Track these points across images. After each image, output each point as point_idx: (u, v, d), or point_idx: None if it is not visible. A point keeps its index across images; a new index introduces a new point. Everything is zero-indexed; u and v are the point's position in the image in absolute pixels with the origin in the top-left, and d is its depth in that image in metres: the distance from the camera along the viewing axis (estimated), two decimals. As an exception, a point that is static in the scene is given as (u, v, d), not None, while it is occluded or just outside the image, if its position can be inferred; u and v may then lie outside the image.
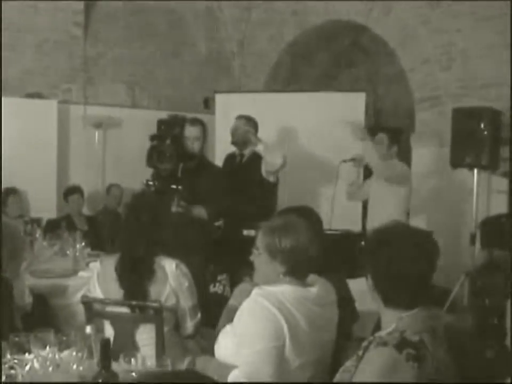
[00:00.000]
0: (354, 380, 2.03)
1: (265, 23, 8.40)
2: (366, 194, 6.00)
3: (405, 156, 7.71)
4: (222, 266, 5.56)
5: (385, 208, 5.58)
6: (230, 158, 5.94)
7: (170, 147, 5.03)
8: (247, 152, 5.75)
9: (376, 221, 5.65)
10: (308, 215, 3.30)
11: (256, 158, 5.65)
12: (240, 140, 5.70)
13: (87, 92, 7.76)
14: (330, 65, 9.01)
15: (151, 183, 4.93)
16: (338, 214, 6.24)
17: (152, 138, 5.20)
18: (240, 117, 5.80)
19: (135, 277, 3.25)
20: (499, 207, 6.12)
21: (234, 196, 5.40)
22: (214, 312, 3.52)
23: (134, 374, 2.27)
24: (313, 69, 8.85)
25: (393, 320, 2.11)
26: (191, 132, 5.16)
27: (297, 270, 2.60)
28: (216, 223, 5.67)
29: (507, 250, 4.60)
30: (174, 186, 4.88)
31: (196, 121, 5.26)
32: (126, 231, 3.46)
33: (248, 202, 5.46)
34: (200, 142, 5.18)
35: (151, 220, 3.38)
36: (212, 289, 5.30)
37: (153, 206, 3.61)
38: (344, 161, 6.01)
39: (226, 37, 8.78)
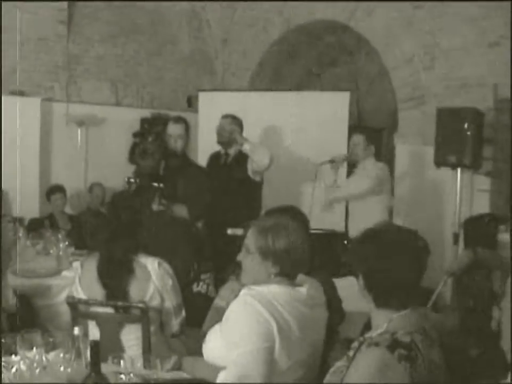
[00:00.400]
0: (345, 381, 2.02)
1: (249, 22, 8.39)
2: (346, 196, 5.99)
3: (388, 155, 7.76)
4: (205, 265, 5.54)
5: (367, 206, 5.60)
6: (214, 157, 5.94)
7: (153, 144, 5.03)
8: (232, 151, 5.77)
9: (358, 220, 5.67)
10: (296, 215, 3.30)
11: (242, 157, 5.67)
12: (226, 139, 5.72)
13: (70, 89, 7.70)
14: (313, 64, 9.03)
15: (132, 180, 4.86)
16: (321, 213, 6.23)
17: (135, 135, 5.19)
18: (225, 116, 5.81)
19: (115, 277, 3.24)
20: (481, 206, 6.16)
21: (219, 195, 5.39)
22: (198, 312, 3.52)
23: (122, 376, 2.25)
24: (297, 68, 8.86)
25: (384, 321, 2.10)
26: (174, 129, 5.15)
27: (289, 271, 2.59)
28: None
29: (490, 249, 4.63)
30: (155, 184, 4.84)
31: (179, 120, 5.25)
32: (105, 230, 3.45)
33: (233, 201, 5.47)
34: (183, 140, 5.16)
35: (130, 219, 3.37)
36: (195, 288, 5.27)
37: (132, 204, 3.60)
38: (322, 163, 6.02)
39: (210, 36, 8.76)
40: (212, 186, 5.46)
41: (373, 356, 1.98)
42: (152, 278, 3.23)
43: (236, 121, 5.75)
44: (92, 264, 3.30)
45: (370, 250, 2.15)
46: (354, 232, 5.67)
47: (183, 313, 3.39)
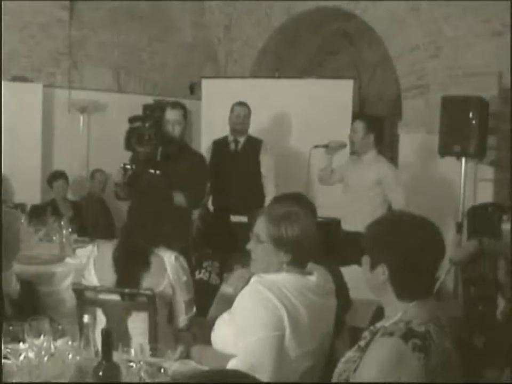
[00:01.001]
0: (359, 371, 2.00)
1: (252, 9, 8.34)
2: (339, 180, 5.88)
3: (391, 144, 7.75)
4: (207, 253, 5.53)
5: (363, 192, 5.51)
6: (221, 144, 5.92)
7: (150, 130, 4.87)
8: (242, 139, 5.82)
9: (353, 206, 5.57)
10: (306, 203, 3.29)
11: (252, 144, 5.71)
12: (241, 127, 5.79)
13: (72, 76, 7.66)
14: (316, 52, 8.99)
15: (128, 166, 4.77)
16: (319, 201, 6.17)
17: (131, 120, 5.05)
18: (241, 104, 5.86)
19: (129, 266, 3.19)
20: (485, 196, 6.16)
21: (226, 182, 5.37)
22: (200, 299, 3.51)
23: (132, 364, 2.24)
24: (300, 55, 8.83)
25: (398, 310, 2.08)
26: (171, 115, 5.03)
27: (301, 259, 2.58)
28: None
29: (494, 238, 4.62)
30: (152, 171, 4.74)
31: (177, 105, 5.15)
32: (130, 217, 3.41)
33: (240, 188, 5.45)
34: (181, 126, 5.05)
35: (157, 210, 3.34)
36: (197, 275, 5.27)
37: (161, 195, 3.58)
38: (316, 146, 5.96)
39: (213, 22, 8.71)
40: (214, 173, 5.44)
41: (387, 346, 1.96)
42: (167, 271, 3.19)
43: (249, 109, 5.84)
44: (108, 249, 3.25)
45: (399, 239, 2.11)
46: (348, 221, 5.60)
47: (194, 309, 3.34)
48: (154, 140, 4.86)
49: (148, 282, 3.16)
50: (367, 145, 5.56)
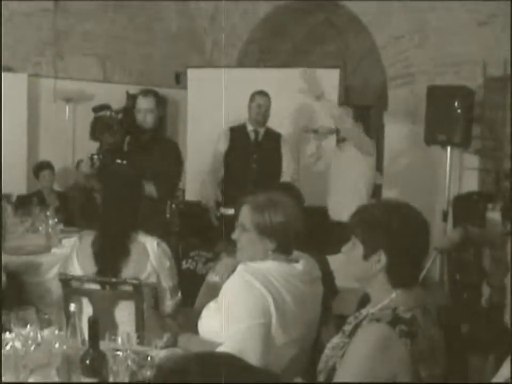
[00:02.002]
0: (346, 356, 2.02)
1: (238, -2, 8.32)
2: (327, 165, 5.88)
3: (376, 133, 7.76)
4: (194, 242, 5.53)
5: (349, 180, 5.51)
6: (240, 133, 5.73)
7: (114, 119, 4.73)
8: (262, 129, 5.68)
9: (339, 193, 5.58)
10: (290, 190, 3.30)
11: (272, 136, 5.65)
12: (264, 119, 5.65)
13: (57, 65, 7.62)
14: (302, 41, 8.98)
15: (95, 156, 4.66)
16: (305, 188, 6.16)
17: (96, 109, 4.91)
18: (261, 93, 5.69)
19: (108, 254, 3.21)
20: (470, 184, 6.20)
21: (242, 171, 5.35)
22: (187, 288, 3.52)
23: (119, 352, 2.25)
24: (286, 45, 8.81)
25: (385, 298, 2.09)
26: (143, 103, 4.84)
27: (286, 247, 2.59)
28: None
29: (479, 227, 4.66)
30: (119, 161, 4.66)
31: (149, 93, 4.96)
32: (103, 207, 3.43)
33: (258, 178, 5.38)
34: (153, 114, 4.84)
35: (130, 194, 3.35)
36: (184, 265, 5.27)
37: (133, 178, 3.58)
38: (305, 130, 5.96)
39: (199, 12, 8.67)
40: (232, 163, 5.42)
41: (374, 332, 1.98)
42: (150, 257, 3.20)
43: (270, 99, 5.69)
44: (89, 240, 3.27)
45: (397, 224, 2.08)
46: (334, 207, 5.62)
47: (179, 294, 3.36)
48: (121, 129, 4.74)
49: (130, 269, 3.17)
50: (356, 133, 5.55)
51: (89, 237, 3.31)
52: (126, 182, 3.49)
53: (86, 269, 3.23)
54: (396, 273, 2.09)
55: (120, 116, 4.78)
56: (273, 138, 5.67)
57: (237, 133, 5.73)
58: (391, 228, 2.08)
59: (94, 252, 3.23)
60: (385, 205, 2.29)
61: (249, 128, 5.70)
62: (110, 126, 4.74)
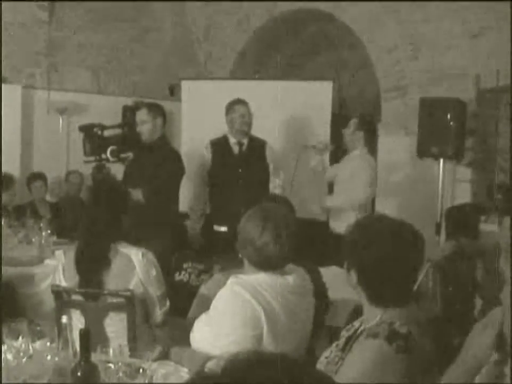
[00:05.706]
0: (342, 372, 1.99)
1: (232, 10, 8.34)
2: (330, 179, 5.89)
3: (370, 145, 7.77)
4: (187, 254, 5.51)
5: (348, 194, 5.51)
6: (221, 146, 5.48)
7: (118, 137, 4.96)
8: (245, 140, 5.40)
9: (339, 205, 5.59)
10: (283, 204, 3.31)
11: (256, 145, 5.44)
12: (249, 128, 5.37)
13: (52, 77, 7.62)
14: (296, 53, 9.01)
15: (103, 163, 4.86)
16: (301, 201, 6.16)
17: (81, 129, 5.02)
18: (240, 102, 5.38)
19: (89, 266, 3.18)
20: (463, 196, 6.22)
21: (231, 185, 5.26)
22: (180, 300, 3.51)
23: (111, 365, 2.24)
24: (280, 57, 8.84)
25: (375, 312, 2.07)
26: (137, 117, 5.08)
27: (276, 261, 2.59)
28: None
29: (472, 239, 4.67)
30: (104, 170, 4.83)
31: (141, 105, 5.17)
32: (85, 217, 3.41)
33: (244, 192, 5.15)
34: (148, 124, 5.00)
35: (112, 204, 3.34)
36: (177, 277, 5.26)
37: (115, 188, 3.57)
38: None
39: (193, 23, 8.69)
40: (216, 178, 5.36)
41: (372, 348, 1.95)
42: (136, 269, 3.17)
43: (249, 107, 5.38)
44: (72, 252, 3.26)
45: (361, 241, 2.06)
46: (335, 221, 5.64)
47: (167, 303, 3.35)
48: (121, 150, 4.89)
49: (113, 281, 3.14)
50: (355, 141, 5.57)
51: (73, 250, 3.29)
52: (109, 193, 3.48)
53: (70, 281, 3.21)
54: (371, 291, 2.06)
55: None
56: (257, 147, 5.44)
57: (219, 147, 5.48)
58: (359, 249, 2.06)
59: (76, 263, 3.21)
60: (362, 224, 2.21)
61: (232, 140, 5.42)
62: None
